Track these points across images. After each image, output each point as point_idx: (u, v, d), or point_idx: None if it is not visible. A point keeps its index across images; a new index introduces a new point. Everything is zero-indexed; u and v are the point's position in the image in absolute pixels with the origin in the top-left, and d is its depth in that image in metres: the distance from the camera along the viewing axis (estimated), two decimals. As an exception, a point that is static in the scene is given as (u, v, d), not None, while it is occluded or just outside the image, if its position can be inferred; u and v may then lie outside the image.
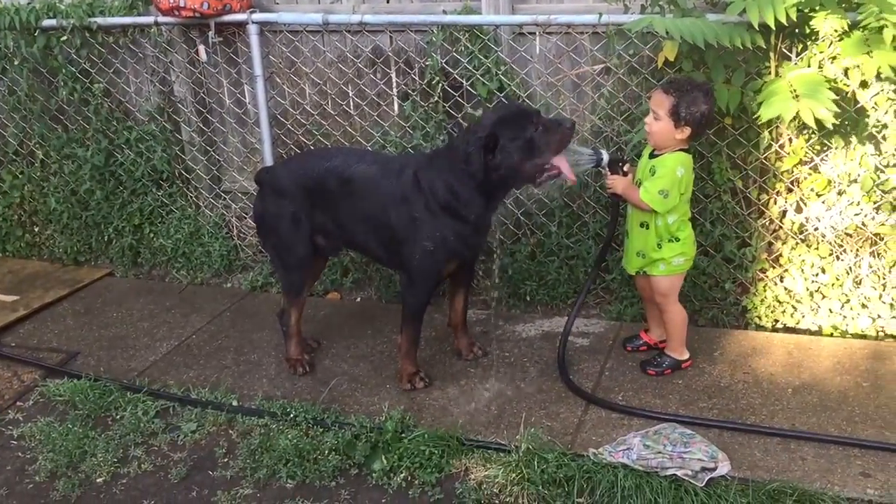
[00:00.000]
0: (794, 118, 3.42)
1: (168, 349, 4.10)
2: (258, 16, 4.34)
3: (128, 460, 3.32)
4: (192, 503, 3.09)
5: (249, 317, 4.41)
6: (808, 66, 3.50)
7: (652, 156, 3.40)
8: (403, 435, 3.25)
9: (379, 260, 3.95)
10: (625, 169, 3.43)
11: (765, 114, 3.25)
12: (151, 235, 5.04)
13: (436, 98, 4.25)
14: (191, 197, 4.99)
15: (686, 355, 3.60)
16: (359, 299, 4.62)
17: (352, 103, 4.55)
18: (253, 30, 4.33)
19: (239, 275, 4.91)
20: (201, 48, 4.60)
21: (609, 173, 3.42)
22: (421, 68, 4.30)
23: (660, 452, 2.97)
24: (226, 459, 3.29)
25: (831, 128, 3.43)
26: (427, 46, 4.21)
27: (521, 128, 3.24)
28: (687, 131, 3.25)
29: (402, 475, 3.10)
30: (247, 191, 4.85)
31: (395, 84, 4.46)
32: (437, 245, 3.39)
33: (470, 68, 4.12)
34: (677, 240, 3.40)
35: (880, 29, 3.19)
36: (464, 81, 4.18)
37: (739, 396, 3.38)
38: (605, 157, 3.39)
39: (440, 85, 4.22)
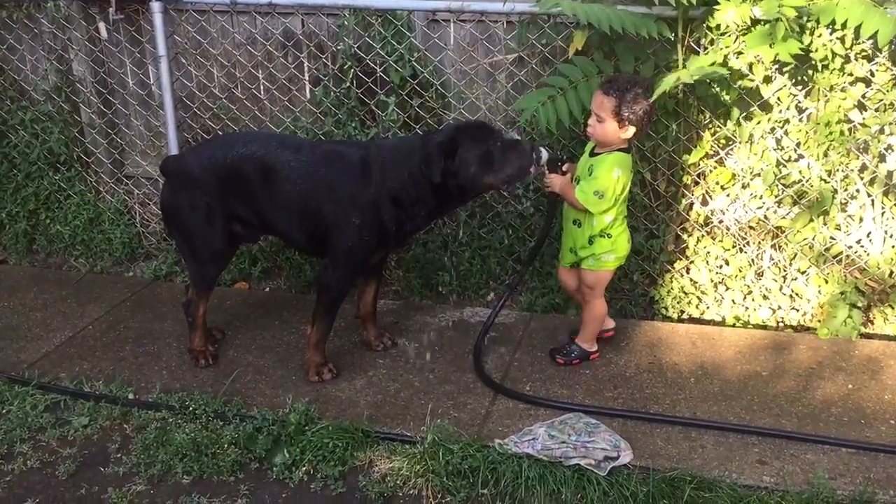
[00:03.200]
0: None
1: (62, 340, 3.90)
2: (162, -7, 4.17)
3: (13, 456, 3.14)
4: (80, 500, 2.94)
5: (151, 307, 4.24)
6: (715, 61, 3.54)
7: (592, 154, 3.36)
8: (307, 428, 3.17)
9: (300, 247, 3.86)
10: (563, 168, 3.39)
11: (663, 86, 3.22)
12: (48, 221, 4.80)
13: (348, 84, 4.15)
14: (90, 181, 4.76)
15: (595, 347, 3.61)
16: (268, 289, 4.50)
17: (261, 87, 4.41)
18: (156, 7, 4.14)
19: (142, 263, 4.72)
20: (101, 25, 4.38)
21: (547, 171, 3.38)
22: (333, 53, 4.20)
23: (564, 442, 2.97)
24: (119, 455, 3.14)
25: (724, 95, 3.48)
26: (339, 30, 4.11)
27: (482, 140, 3.21)
28: (631, 130, 3.22)
29: (304, 469, 3.02)
30: (151, 176, 4.66)
31: (306, 68, 4.35)
32: (374, 234, 3.32)
33: (383, 54, 4.04)
34: (609, 236, 3.37)
35: (778, 21, 3.25)
36: (377, 67, 4.10)
37: (644, 386, 3.42)
38: (545, 155, 3.33)
39: (352, 70, 4.12)
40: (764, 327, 3.89)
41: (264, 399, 3.40)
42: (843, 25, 3.24)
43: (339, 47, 4.11)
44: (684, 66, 3.58)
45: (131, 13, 4.40)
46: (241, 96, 4.42)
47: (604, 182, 3.26)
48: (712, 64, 3.30)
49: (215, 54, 4.38)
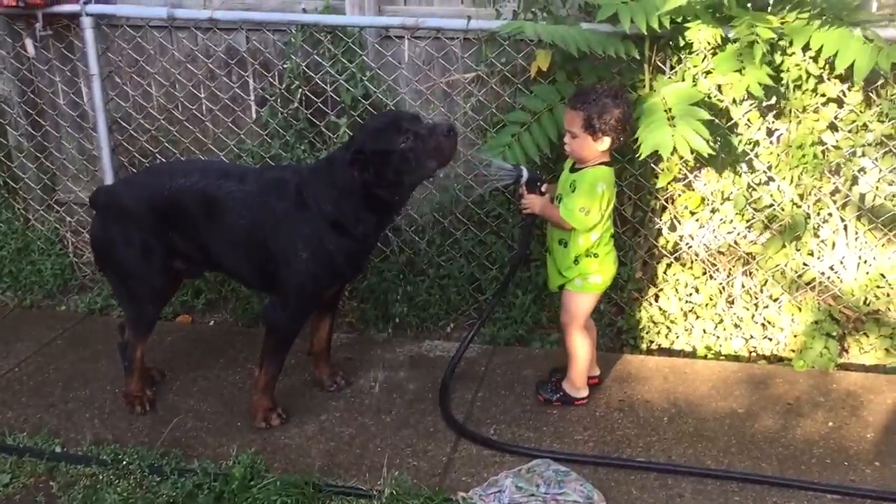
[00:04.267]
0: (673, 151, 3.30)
1: (-17, 385, 3.58)
2: (93, 7, 3.87)
3: (-80, 526, 2.82)
4: (-4, 576, 2.64)
5: (84, 344, 3.92)
6: (683, 80, 3.38)
7: (573, 170, 3.15)
8: (252, 483, 2.90)
9: (250, 285, 3.61)
10: (542, 189, 3.18)
11: (644, 149, 3.06)
12: (-28, 252, 4.46)
13: (296, 104, 3.91)
14: (18, 209, 4.44)
15: (583, 394, 3.34)
16: (212, 322, 4.21)
17: (203, 107, 4.13)
18: (87, 23, 3.86)
19: (75, 296, 4.40)
20: (28, 42, 4.09)
21: (526, 192, 3.17)
22: (279, 71, 3.94)
23: (533, 495, 2.75)
24: (42, 519, 2.84)
25: (707, 155, 3.27)
26: (286, 47, 3.86)
27: (389, 141, 2.93)
28: (606, 141, 3.01)
29: (249, 531, 2.76)
30: (84, 202, 4.33)
31: (251, 88, 4.08)
32: (323, 266, 3.07)
33: (333, 73, 3.81)
34: (595, 256, 3.15)
35: (752, 44, 3.08)
36: (327, 87, 3.86)
37: (615, 427, 3.21)
38: (525, 174, 3.14)
39: (300, 90, 3.88)
40: (736, 358, 3.73)
41: (206, 449, 3.13)
42: (819, 51, 3.09)
43: (286, 65, 3.87)
44: (651, 88, 3.41)
45: (60, 28, 4.10)
46: (182, 117, 4.14)
47: (588, 197, 3.04)
48: (699, 101, 3.10)
49: (153, 73, 4.10)
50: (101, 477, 2.98)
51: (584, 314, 3.24)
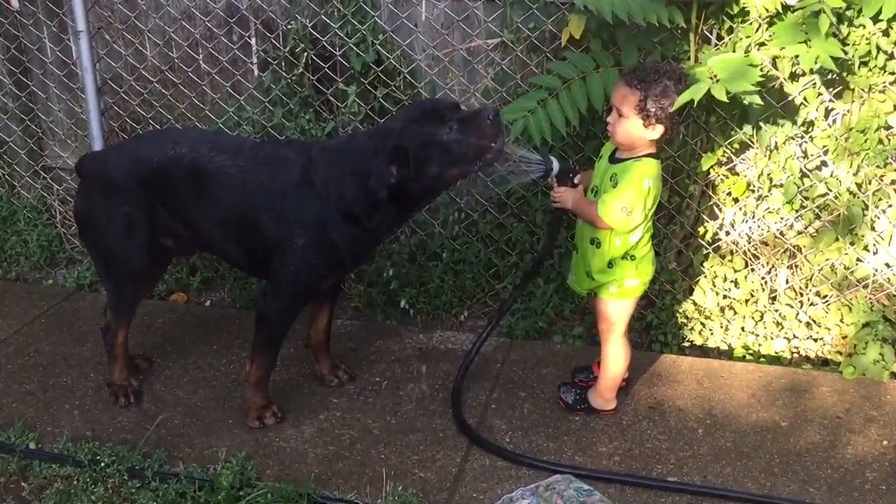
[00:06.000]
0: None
1: (-43, 369, 3.32)
2: (81, -44, 3.53)
3: None
4: (-47, 593, 2.38)
5: (69, 324, 3.65)
6: (733, 52, 3.01)
7: (613, 160, 2.75)
8: (242, 492, 2.62)
9: (242, 268, 3.30)
10: (575, 180, 2.82)
11: (677, 102, 2.66)
12: (-47, 221, 4.19)
13: (301, 69, 3.56)
14: (3, 175, 4.17)
15: (611, 406, 3.02)
16: (208, 303, 3.92)
17: (201, 70, 3.80)
18: (74, -27, 3.52)
19: (63, 269, 4.13)
20: (12, -7, 3.77)
21: (557, 185, 2.82)
22: (283, 32, 3.59)
23: (553, 520, 2.45)
24: (8, 527, 2.58)
25: (757, 106, 2.89)
26: (290, 6, 3.51)
27: (432, 132, 2.59)
28: (659, 130, 2.60)
29: (235, 549, 2.48)
30: (72, 168, 4.03)
31: (253, 49, 3.74)
32: (321, 255, 2.77)
33: (342, 35, 3.46)
34: (633, 258, 2.77)
35: (818, 12, 2.70)
36: (335, 51, 3.51)
37: (644, 438, 2.90)
38: (556, 165, 2.77)
39: (306, 53, 3.53)
40: (777, 359, 3.40)
41: (193, 450, 2.85)
42: (893, 19, 2.71)
43: (290, 26, 3.52)
44: (696, 59, 3.04)
45: (46, -21, 3.77)
46: (177, 80, 3.81)
47: (632, 195, 2.63)
48: (751, 65, 2.73)
49: (146, 30, 3.77)
50: (76, 481, 2.72)
51: (625, 320, 2.89)
